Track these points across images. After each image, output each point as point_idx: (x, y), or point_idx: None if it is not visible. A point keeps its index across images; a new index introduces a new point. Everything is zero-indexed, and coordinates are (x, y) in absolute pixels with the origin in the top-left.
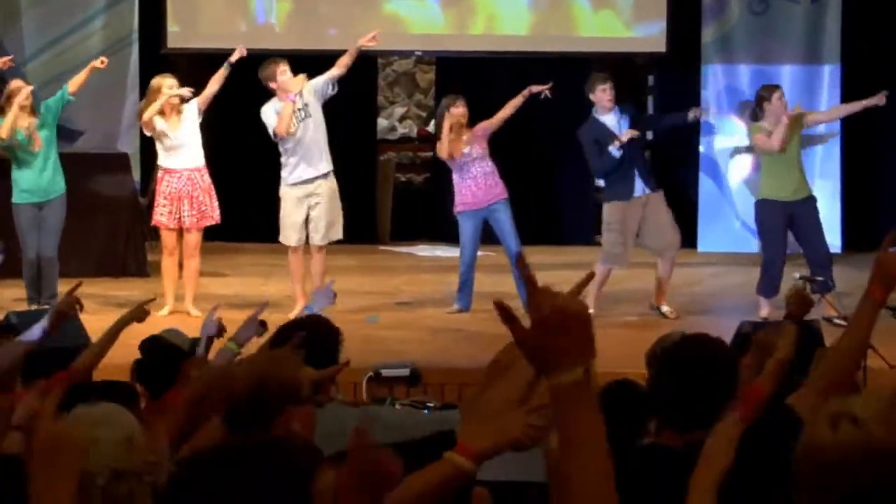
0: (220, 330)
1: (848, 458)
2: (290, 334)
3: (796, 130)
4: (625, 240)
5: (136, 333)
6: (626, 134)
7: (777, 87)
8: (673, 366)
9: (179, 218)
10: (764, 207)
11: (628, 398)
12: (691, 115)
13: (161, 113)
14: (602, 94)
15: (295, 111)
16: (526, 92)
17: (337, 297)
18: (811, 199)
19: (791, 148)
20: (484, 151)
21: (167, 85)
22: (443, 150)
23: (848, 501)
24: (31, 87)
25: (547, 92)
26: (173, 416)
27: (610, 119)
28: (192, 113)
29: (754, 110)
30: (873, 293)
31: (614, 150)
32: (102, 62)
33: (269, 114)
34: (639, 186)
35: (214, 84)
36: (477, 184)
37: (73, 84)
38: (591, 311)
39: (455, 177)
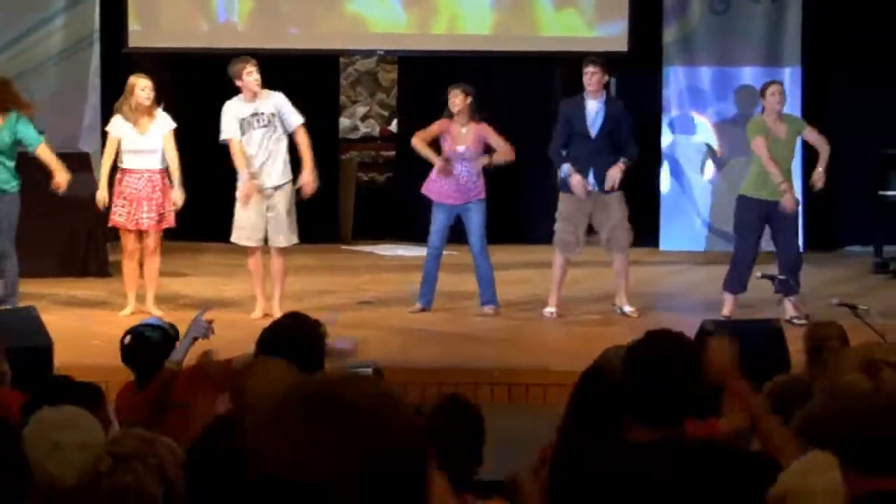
0: (209, 332)
1: (868, 403)
2: (276, 336)
3: (792, 137)
4: (575, 229)
5: (100, 334)
6: (578, 185)
7: (774, 82)
8: (640, 363)
9: (137, 220)
10: (743, 203)
11: (602, 387)
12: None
13: (131, 112)
14: (584, 78)
15: (257, 115)
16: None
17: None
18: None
19: (782, 150)
20: (476, 153)
21: (140, 86)
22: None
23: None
24: None
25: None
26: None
27: (591, 105)
28: (163, 123)
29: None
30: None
31: (563, 172)
32: (58, 187)
33: (227, 116)
34: (590, 184)
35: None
36: (458, 182)
37: (43, 153)
38: (552, 308)
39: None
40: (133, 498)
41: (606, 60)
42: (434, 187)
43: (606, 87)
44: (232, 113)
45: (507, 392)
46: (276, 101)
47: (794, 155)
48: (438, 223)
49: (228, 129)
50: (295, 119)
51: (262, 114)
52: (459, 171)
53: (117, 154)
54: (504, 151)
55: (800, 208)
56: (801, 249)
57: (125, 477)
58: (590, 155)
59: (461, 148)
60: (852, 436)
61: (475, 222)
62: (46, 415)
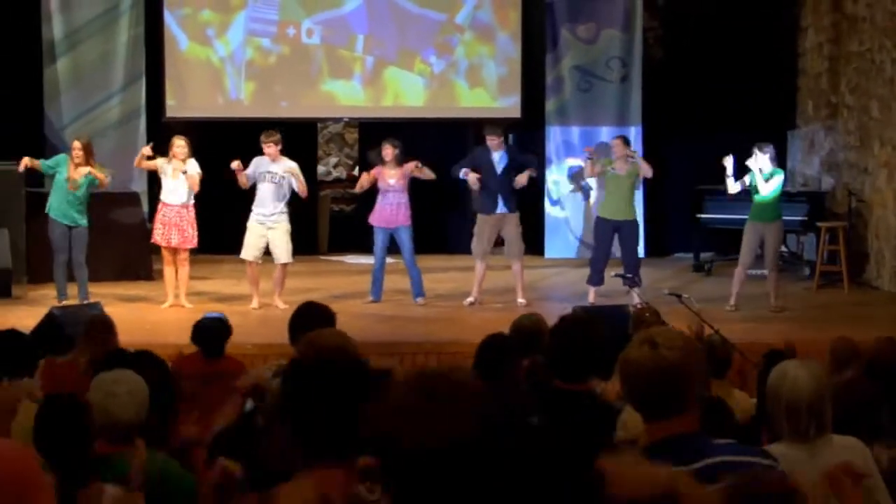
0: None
1: (645, 369)
2: (306, 316)
3: (633, 171)
4: (482, 242)
5: (148, 321)
6: (473, 180)
7: (619, 136)
8: (565, 336)
9: (169, 239)
10: (598, 222)
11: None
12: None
13: (169, 160)
14: (489, 140)
15: (271, 173)
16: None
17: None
18: (633, 222)
19: (623, 182)
20: (403, 186)
21: (176, 145)
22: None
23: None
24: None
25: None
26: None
27: (495, 155)
28: (191, 170)
29: None
30: None
31: (461, 174)
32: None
33: (253, 164)
34: (500, 206)
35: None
36: (391, 208)
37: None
38: (472, 298)
39: (378, 197)
40: None
41: (504, 127)
42: (377, 214)
43: (506, 140)
44: (255, 163)
45: (436, 359)
46: (288, 167)
47: (631, 188)
48: (378, 243)
49: (249, 171)
50: (297, 182)
51: (276, 173)
52: (391, 199)
53: (159, 189)
54: (427, 175)
55: (642, 224)
56: (639, 254)
57: None
58: (497, 187)
59: (392, 181)
60: (639, 392)
61: (404, 241)
62: (104, 376)
